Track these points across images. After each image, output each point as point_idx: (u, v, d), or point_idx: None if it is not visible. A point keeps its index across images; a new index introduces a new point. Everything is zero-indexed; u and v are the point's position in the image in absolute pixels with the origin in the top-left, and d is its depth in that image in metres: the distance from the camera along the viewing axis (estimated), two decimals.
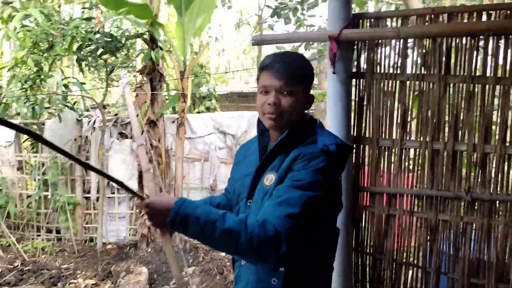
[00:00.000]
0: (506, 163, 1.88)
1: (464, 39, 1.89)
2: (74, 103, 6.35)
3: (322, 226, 1.27)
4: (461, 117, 1.94)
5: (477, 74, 1.91)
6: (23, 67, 4.22)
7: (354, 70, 2.09)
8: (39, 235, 5.36)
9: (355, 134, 2.11)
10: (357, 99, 2.11)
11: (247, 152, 1.48)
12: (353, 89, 2.10)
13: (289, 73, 1.25)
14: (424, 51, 1.97)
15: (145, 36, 4.63)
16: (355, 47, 2.07)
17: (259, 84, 1.31)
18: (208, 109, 7.70)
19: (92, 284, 4.21)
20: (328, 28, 2.04)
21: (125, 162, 5.19)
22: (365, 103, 2.09)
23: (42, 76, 4.90)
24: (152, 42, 4.68)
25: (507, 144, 1.87)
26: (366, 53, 2.06)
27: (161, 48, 4.67)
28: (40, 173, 5.43)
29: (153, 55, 4.45)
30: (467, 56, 1.89)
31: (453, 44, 1.92)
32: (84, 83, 6.70)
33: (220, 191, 4.94)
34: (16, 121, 5.84)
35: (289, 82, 1.25)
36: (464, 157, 1.96)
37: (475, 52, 1.89)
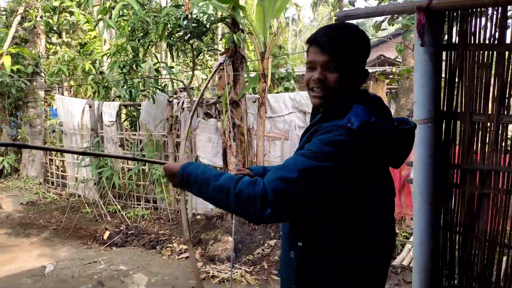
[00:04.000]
0: None
1: None
2: (164, 85, 6.89)
3: (339, 206, 1.14)
4: None
5: None
6: (123, 53, 4.70)
7: (444, 42, 2.00)
8: (139, 204, 6.03)
9: (445, 109, 2.04)
10: (447, 73, 2.02)
11: None
12: (443, 62, 2.01)
13: (337, 46, 1.16)
14: None
15: (227, 20, 4.82)
16: (445, 18, 1.97)
17: (306, 59, 1.23)
18: (287, 89, 7.76)
19: (185, 249, 4.65)
20: None
21: (211, 140, 5.54)
22: (457, 76, 2.00)
23: (138, 62, 5.40)
24: (234, 25, 4.86)
25: None
26: (458, 23, 1.95)
27: (242, 31, 4.83)
28: (138, 149, 6.06)
29: (236, 38, 4.63)
30: None
31: None
32: (172, 67, 7.21)
33: None
34: (117, 103, 6.55)
35: (336, 57, 1.16)
36: None
37: None
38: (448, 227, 2.13)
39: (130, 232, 5.17)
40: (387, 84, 11.48)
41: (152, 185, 6.00)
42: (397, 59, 14.23)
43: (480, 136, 1.98)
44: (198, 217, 5.70)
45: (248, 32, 4.54)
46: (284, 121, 5.04)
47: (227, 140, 5.04)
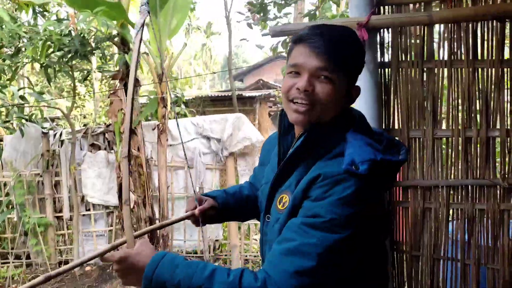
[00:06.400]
0: None
1: (490, 22, 1.85)
2: (31, 115, 5.86)
3: (357, 265, 0.96)
4: (492, 103, 1.89)
5: (505, 57, 1.87)
6: None
7: (378, 60, 1.99)
8: (5, 263, 4.83)
9: (384, 127, 2.01)
10: (384, 90, 2.01)
11: (271, 153, 1.19)
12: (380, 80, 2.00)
13: (333, 51, 0.93)
14: (451, 36, 1.90)
15: (116, 39, 4.30)
16: (377, 36, 1.97)
17: (289, 61, 0.99)
18: (177, 114, 7.40)
19: None
20: (351, 16, 1.92)
21: (101, 175, 4.81)
22: (392, 93, 2.00)
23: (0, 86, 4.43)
24: (124, 45, 4.37)
25: None
26: (390, 40, 1.97)
27: None
28: (2, 194, 4.90)
29: (128, 59, 4.14)
30: (494, 40, 1.85)
31: (479, 28, 1.87)
32: (42, 93, 6.20)
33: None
34: None
35: (330, 64, 0.93)
36: (497, 143, 1.92)
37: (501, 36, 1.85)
38: (394, 246, 2.08)
39: None
40: (270, 107, 12.09)
41: (24, 237, 4.88)
42: (275, 82, 15.12)
43: (417, 151, 2.00)
44: (88, 268, 4.82)
45: (143, 53, 4.11)
46: (187, 148, 4.67)
47: (122, 174, 4.42)
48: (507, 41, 1.88)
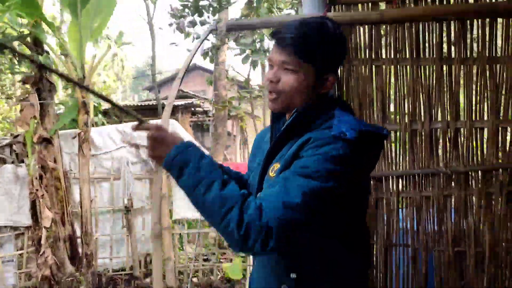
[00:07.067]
0: (474, 136, 2.05)
1: (431, 23, 2.01)
2: None
3: (339, 226, 1.08)
4: (434, 97, 2.05)
5: (444, 56, 2.05)
6: None
7: None
8: None
9: None
10: (337, 88, 2.06)
11: (262, 142, 1.30)
12: None
13: (295, 45, 1.05)
14: (396, 36, 2.03)
15: (28, 39, 3.81)
16: None
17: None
18: (95, 124, 6.84)
19: None
20: (305, 13, 1.95)
21: (8, 193, 4.17)
22: (344, 90, 2.07)
23: None
24: (36, 45, 3.90)
25: (473, 118, 2.05)
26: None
27: (47, 53, 3.91)
28: None
29: (43, 61, 3.69)
30: (435, 40, 2.02)
31: (421, 28, 2.03)
32: None
33: (137, 210, 4.38)
34: None
35: (292, 56, 1.05)
36: (439, 134, 2.09)
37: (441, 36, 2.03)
38: None
39: None
40: (190, 117, 11.84)
41: None
42: (194, 93, 14.91)
43: None
44: None
45: (63, 54, 3.71)
46: (112, 158, 4.30)
47: (36, 190, 3.89)
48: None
